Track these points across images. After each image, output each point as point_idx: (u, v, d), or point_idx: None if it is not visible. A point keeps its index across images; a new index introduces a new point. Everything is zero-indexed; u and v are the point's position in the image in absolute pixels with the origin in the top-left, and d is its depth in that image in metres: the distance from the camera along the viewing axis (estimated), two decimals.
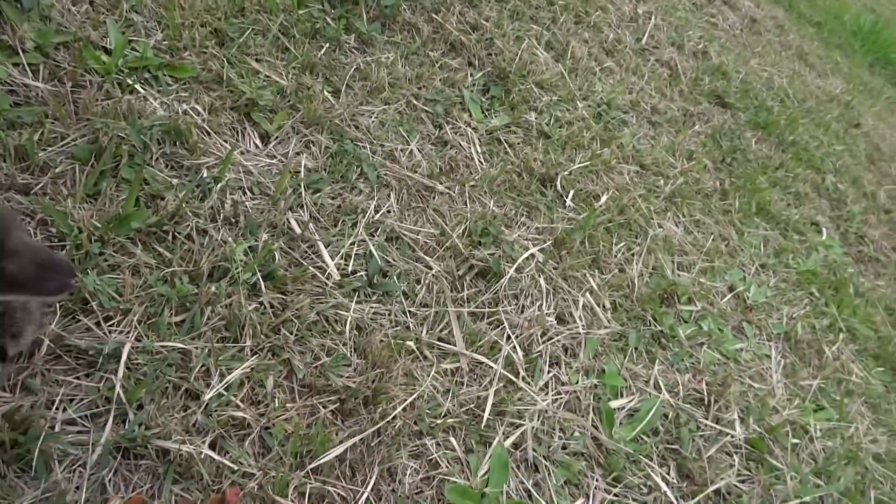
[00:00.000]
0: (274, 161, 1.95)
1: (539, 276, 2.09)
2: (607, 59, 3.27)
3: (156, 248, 1.56)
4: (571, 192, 2.45)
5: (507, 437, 1.66)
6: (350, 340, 1.65)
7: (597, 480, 1.70)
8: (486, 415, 1.66)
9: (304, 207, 1.85)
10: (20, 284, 0.98)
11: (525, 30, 3.05)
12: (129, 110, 1.75)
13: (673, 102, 3.35)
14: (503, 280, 1.98)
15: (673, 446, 1.89)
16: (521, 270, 2.07)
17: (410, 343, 1.71)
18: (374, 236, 1.90)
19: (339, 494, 1.41)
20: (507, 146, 2.49)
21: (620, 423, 1.86)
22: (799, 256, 2.92)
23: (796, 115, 3.79)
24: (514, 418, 1.71)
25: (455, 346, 1.78)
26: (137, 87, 1.86)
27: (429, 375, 1.68)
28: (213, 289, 1.53)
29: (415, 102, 2.41)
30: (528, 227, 2.23)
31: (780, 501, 1.92)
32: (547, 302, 2.04)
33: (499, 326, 1.88)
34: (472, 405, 1.69)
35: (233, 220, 1.73)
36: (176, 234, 1.62)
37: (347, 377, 1.57)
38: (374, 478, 1.46)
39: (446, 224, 2.06)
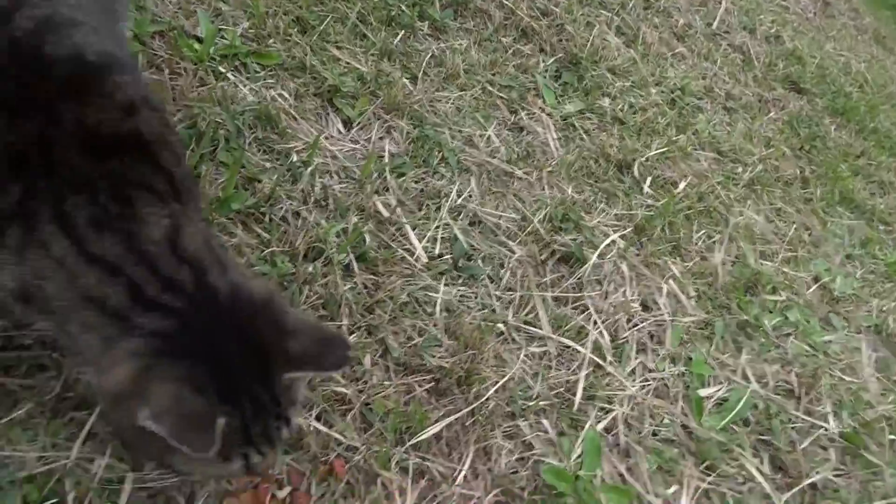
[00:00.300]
0: (357, 146, 1.98)
1: (621, 262, 2.06)
2: (678, 45, 3.20)
3: (254, 229, 1.59)
4: (649, 179, 2.41)
5: (599, 422, 1.64)
6: (440, 322, 1.65)
7: (690, 468, 1.67)
8: (577, 399, 1.64)
9: (390, 191, 1.87)
10: (304, 362, 1.02)
11: (595, 15, 3.01)
12: (223, 96, 1.80)
13: (747, 88, 3.25)
14: (586, 266, 1.96)
15: (764, 437, 1.83)
16: (603, 257, 2.04)
17: (501, 325, 1.70)
18: (457, 220, 1.91)
19: (437, 471, 1.42)
20: (582, 132, 2.47)
21: (710, 413, 1.82)
22: (886, 247, 2.80)
23: (876, 102, 3.64)
24: (604, 403, 1.68)
25: (542, 329, 1.76)
26: (228, 74, 1.91)
27: (518, 358, 1.67)
28: (309, 269, 1.55)
29: (490, 88, 2.41)
30: (607, 214, 2.20)
31: (880, 498, 1.84)
32: (631, 288, 2.00)
33: (584, 312, 1.86)
34: (561, 389, 1.67)
35: (323, 203, 1.75)
36: (272, 216, 1.65)
37: (440, 357, 1.57)
38: (469, 456, 1.46)
39: (527, 209, 2.05)
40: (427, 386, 1.53)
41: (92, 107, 1.00)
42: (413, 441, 1.42)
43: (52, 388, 1.19)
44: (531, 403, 1.59)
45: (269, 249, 1.56)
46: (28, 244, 0.94)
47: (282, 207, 1.67)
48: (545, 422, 1.59)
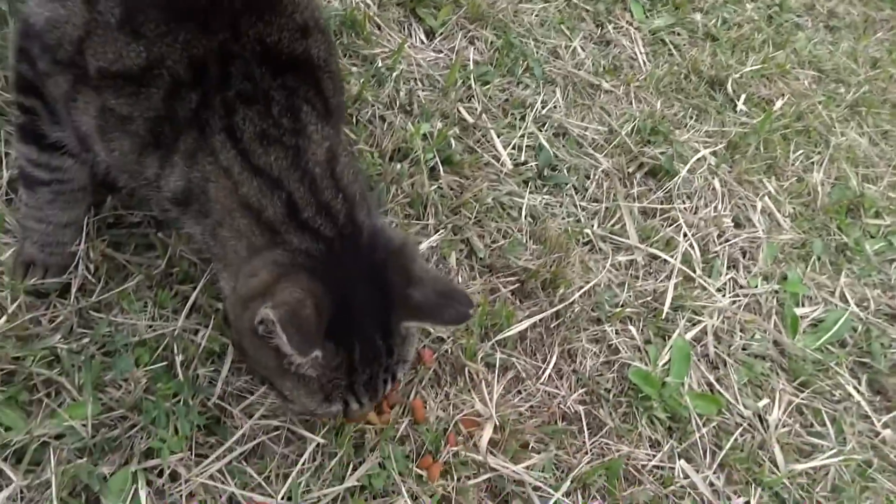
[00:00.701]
0: (440, 55, 1.94)
1: (712, 177, 1.97)
2: None
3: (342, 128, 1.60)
4: (743, 97, 2.28)
5: (687, 332, 1.60)
6: (525, 226, 1.63)
7: (782, 384, 1.61)
8: (665, 308, 1.60)
9: (475, 98, 1.83)
10: (424, 312, 1.01)
11: None
12: None
13: (853, 7, 3.00)
14: (676, 179, 1.88)
15: (863, 360, 1.74)
16: (693, 171, 1.95)
17: (588, 231, 1.67)
18: (542, 130, 1.86)
19: (522, 367, 1.42)
20: (671, 47, 2.34)
21: (804, 332, 1.74)
22: None
23: None
24: (693, 314, 1.63)
25: (629, 240, 1.72)
26: None
27: (603, 268, 1.64)
28: (397, 167, 1.55)
29: (575, 1, 2.31)
30: (698, 130, 2.10)
31: None
32: (723, 204, 1.92)
33: (673, 224, 1.80)
34: (648, 298, 1.63)
35: (408, 108, 1.74)
36: (358, 118, 1.65)
37: (525, 260, 1.56)
38: (554, 357, 1.46)
39: (613, 122, 1.97)
40: (512, 287, 1.52)
41: (272, 25, 1.01)
42: (499, 337, 1.42)
43: (158, 265, 1.25)
44: (617, 310, 1.56)
45: (357, 147, 1.56)
46: (199, 150, 0.97)
47: (368, 111, 1.67)
48: (632, 328, 1.56)
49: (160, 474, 1.06)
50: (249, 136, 0.97)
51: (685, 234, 1.76)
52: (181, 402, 1.11)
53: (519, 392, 1.39)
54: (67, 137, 1.07)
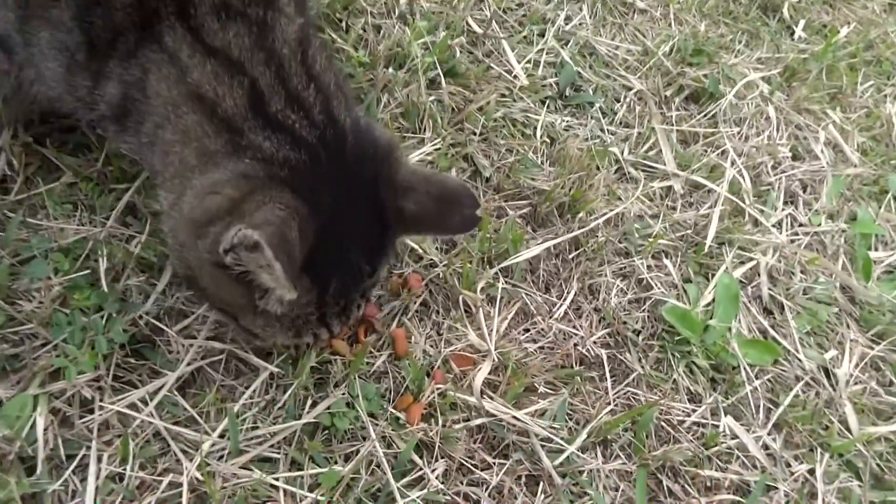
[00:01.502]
0: None
1: (765, 104, 1.69)
2: None
3: (331, 35, 1.39)
4: (802, 22, 1.98)
5: (735, 269, 1.33)
6: (541, 147, 1.39)
7: (853, 334, 1.33)
8: (708, 241, 1.34)
9: (486, 9, 1.60)
10: (423, 224, 0.86)
11: None
12: None
13: None
14: (722, 102, 1.61)
15: None
16: (743, 97, 1.68)
17: (614, 149, 1.41)
18: (564, 48, 1.61)
19: (532, 302, 1.18)
20: None
21: (879, 278, 1.45)
22: None
23: None
24: (742, 251, 1.37)
25: (665, 165, 1.46)
26: None
27: (633, 195, 1.38)
28: (389, 73, 1.33)
29: None
30: (748, 56, 1.82)
31: None
32: (778, 132, 1.64)
33: (718, 151, 1.53)
34: (688, 230, 1.37)
35: (408, 18, 1.52)
36: (349, 24, 1.44)
37: (541, 181, 1.32)
38: (572, 292, 1.21)
39: (649, 42, 1.71)
40: (523, 210, 1.28)
41: None
42: (504, 264, 1.18)
43: (93, 163, 1.06)
44: (649, 242, 1.31)
45: (345, 52, 1.35)
46: (139, 44, 0.79)
47: (361, 20, 1.46)
48: (668, 263, 1.30)
49: (70, 402, 0.87)
50: (205, 9, 0.79)
51: (733, 162, 1.49)
52: (103, 318, 0.91)
53: (526, 330, 1.15)
54: None
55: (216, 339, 0.96)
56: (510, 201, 1.29)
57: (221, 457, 0.88)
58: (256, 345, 0.95)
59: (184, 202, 0.78)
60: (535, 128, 1.42)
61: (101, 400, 0.86)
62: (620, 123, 1.53)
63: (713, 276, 1.31)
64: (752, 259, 1.36)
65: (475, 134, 1.35)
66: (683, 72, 1.65)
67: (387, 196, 0.83)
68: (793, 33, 1.96)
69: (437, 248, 1.17)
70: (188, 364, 0.92)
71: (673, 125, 1.55)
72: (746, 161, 1.53)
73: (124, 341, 0.89)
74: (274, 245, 0.67)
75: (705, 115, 1.59)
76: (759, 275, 1.34)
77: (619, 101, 1.57)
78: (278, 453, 0.90)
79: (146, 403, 0.88)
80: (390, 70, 1.34)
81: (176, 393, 0.91)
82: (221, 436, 0.89)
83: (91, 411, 0.87)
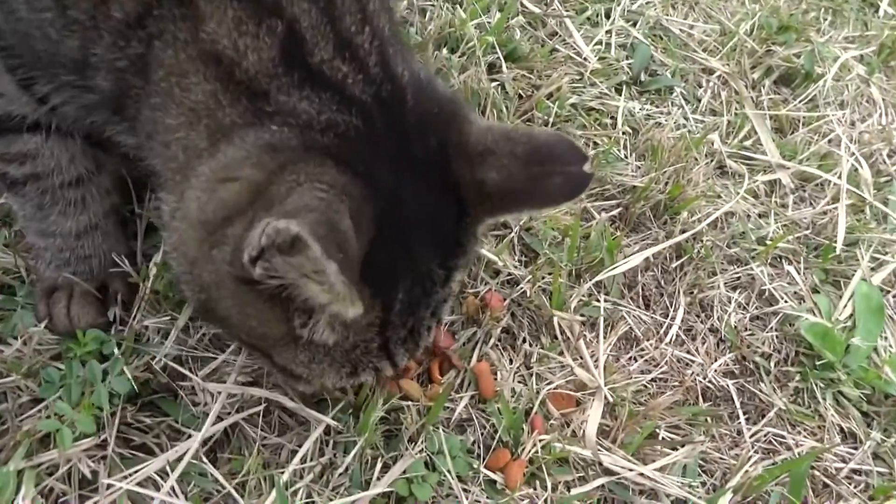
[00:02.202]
0: None
1: (867, 87, 1.46)
2: None
3: None
4: None
5: (871, 275, 1.10)
6: (622, 137, 1.18)
7: None
8: (838, 244, 1.10)
9: None
10: (514, 198, 0.64)
11: None
12: None
13: None
14: (820, 83, 1.39)
15: None
16: (839, 79, 1.46)
17: (715, 139, 1.20)
18: (634, 28, 1.40)
19: (637, 324, 0.96)
20: None
21: None
22: None
23: None
24: (874, 252, 1.14)
25: (768, 155, 1.24)
26: None
27: (738, 192, 1.16)
28: (443, 54, 1.13)
29: None
30: (833, 36, 1.60)
31: None
32: (887, 115, 1.41)
33: (824, 139, 1.30)
34: (805, 230, 1.14)
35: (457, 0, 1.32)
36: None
37: (629, 176, 1.10)
38: (681, 308, 0.99)
39: (725, 20, 1.50)
40: (612, 213, 1.06)
41: None
42: (598, 278, 0.96)
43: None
44: (765, 246, 1.08)
45: None
46: (145, 13, 0.59)
47: (403, 2, 1.26)
48: (790, 269, 1.08)
49: (66, 479, 0.65)
50: None
51: (846, 147, 1.27)
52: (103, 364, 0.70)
53: (632, 359, 0.93)
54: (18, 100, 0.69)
55: (254, 385, 0.74)
56: (596, 201, 1.08)
57: None
58: (299, 390, 0.73)
59: (189, 201, 0.58)
60: (614, 117, 1.20)
61: (105, 475, 0.65)
62: (706, 111, 1.31)
63: (844, 284, 1.08)
64: (888, 262, 1.13)
65: (546, 124, 1.14)
66: (771, 51, 1.43)
67: (460, 168, 0.62)
68: (877, 9, 1.74)
69: (516, 261, 0.95)
70: (219, 419, 0.70)
71: (765, 110, 1.33)
72: (860, 148, 1.30)
73: (131, 391, 0.68)
74: (322, 238, 0.46)
75: (801, 100, 1.37)
76: None
77: (701, 87, 1.35)
78: None
79: (166, 476, 0.66)
80: (443, 52, 1.13)
81: (205, 459, 0.69)
82: None
83: (94, 490, 0.65)
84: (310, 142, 0.55)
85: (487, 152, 0.62)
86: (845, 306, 1.05)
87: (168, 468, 0.66)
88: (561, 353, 0.87)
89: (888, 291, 1.10)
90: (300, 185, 0.52)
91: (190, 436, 0.69)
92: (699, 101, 1.32)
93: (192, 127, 0.59)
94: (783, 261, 1.10)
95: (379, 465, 0.71)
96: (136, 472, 0.65)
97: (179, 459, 0.67)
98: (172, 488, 0.65)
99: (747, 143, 1.26)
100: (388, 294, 0.58)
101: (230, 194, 0.55)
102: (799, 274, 1.07)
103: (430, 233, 0.61)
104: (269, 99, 0.57)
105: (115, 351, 0.70)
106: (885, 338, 1.03)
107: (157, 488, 0.65)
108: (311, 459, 0.71)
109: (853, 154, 1.25)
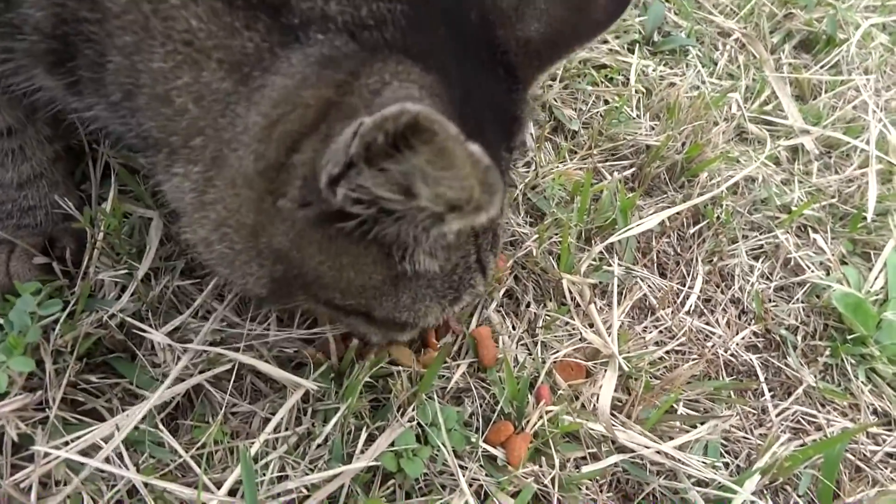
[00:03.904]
0: None
1: (891, 54, 1.38)
2: None
3: None
4: None
5: None
6: (635, 96, 1.09)
7: None
8: (869, 213, 1.02)
9: None
10: (559, 41, 0.59)
11: None
12: None
13: None
14: (844, 48, 1.30)
15: None
16: (862, 47, 1.37)
17: (735, 96, 1.11)
18: None
19: (652, 291, 0.87)
20: None
21: None
22: None
23: None
24: None
25: (790, 120, 1.15)
26: None
27: (760, 156, 1.07)
28: None
29: None
30: (853, 3, 1.51)
31: None
32: None
33: (849, 105, 1.22)
34: (832, 198, 1.06)
35: None
36: None
37: (643, 136, 1.01)
38: (699, 277, 0.90)
39: None
40: (624, 173, 0.98)
41: None
42: (611, 240, 0.87)
43: None
44: (791, 213, 1.00)
45: None
46: None
47: None
48: (816, 238, 0.99)
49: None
50: None
51: (873, 112, 1.18)
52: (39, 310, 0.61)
53: (647, 329, 0.84)
54: None
55: (222, 345, 0.65)
56: (607, 161, 0.99)
57: None
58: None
59: (234, 160, 0.48)
60: (626, 75, 1.11)
61: (44, 441, 0.55)
62: (723, 75, 1.22)
63: (874, 255, 1.00)
64: None
65: (554, 79, 1.05)
66: (791, 14, 1.34)
67: (505, 33, 0.57)
68: None
69: (521, 220, 0.87)
70: (181, 381, 0.61)
71: (784, 74, 1.25)
72: (887, 116, 1.22)
73: (82, 351, 0.58)
74: (440, 121, 0.36)
75: (825, 65, 1.29)
76: None
77: (717, 50, 1.27)
78: None
79: (113, 444, 0.57)
80: None
81: (162, 426, 0.60)
82: (232, 492, 0.58)
83: (27, 459, 0.56)
84: (370, 42, 0.47)
85: (523, 4, 0.58)
86: (876, 278, 0.96)
87: (116, 435, 0.57)
88: (570, 317, 0.78)
89: None
90: (388, 84, 0.43)
91: (146, 399, 0.60)
92: (715, 64, 1.24)
93: (199, 66, 0.47)
94: (808, 230, 1.01)
95: (363, 437, 0.62)
96: (77, 438, 0.56)
97: (132, 426, 0.58)
98: (120, 456, 0.56)
99: (767, 107, 1.17)
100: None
101: (289, 127, 0.46)
102: (826, 243, 0.99)
103: (494, 116, 0.56)
104: (292, 8, 0.47)
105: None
106: None
107: (106, 458, 0.56)
108: (286, 429, 0.62)
109: (881, 120, 1.17)
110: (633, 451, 0.68)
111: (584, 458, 0.68)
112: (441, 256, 0.51)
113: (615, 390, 0.74)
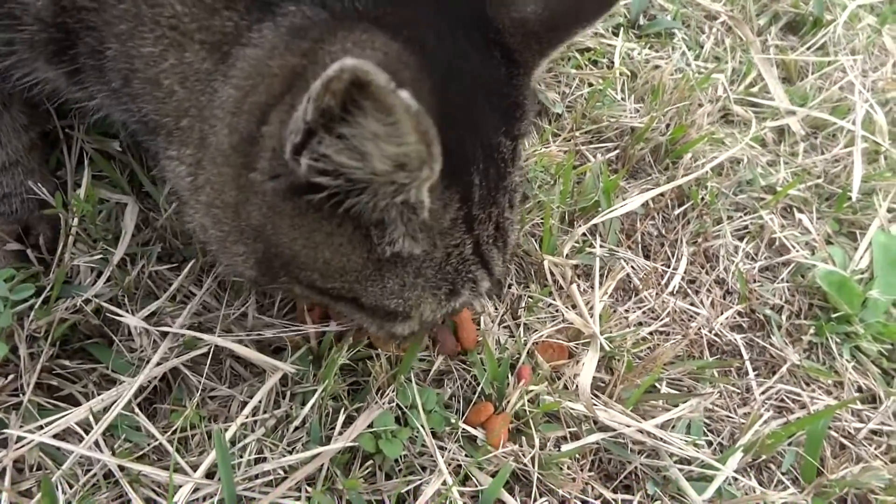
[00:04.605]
0: None
1: (878, 35, 1.37)
2: None
3: None
4: None
5: (890, 226, 1.02)
6: (619, 79, 1.08)
7: None
8: (854, 192, 1.01)
9: None
10: (558, 23, 0.56)
11: None
12: None
13: None
14: (830, 28, 1.30)
15: None
16: (849, 28, 1.37)
17: (720, 76, 1.11)
18: None
19: (635, 272, 0.87)
20: None
21: None
22: None
23: None
24: (892, 202, 1.05)
25: (777, 101, 1.15)
26: None
27: (745, 137, 1.07)
28: None
29: None
30: None
31: None
32: None
33: (835, 85, 1.21)
34: (817, 179, 1.05)
35: None
36: None
37: (627, 118, 1.01)
38: (683, 258, 0.90)
39: None
40: (609, 155, 0.97)
41: None
42: (594, 221, 0.87)
43: None
44: (773, 195, 1.00)
45: None
46: None
47: None
48: (802, 218, 0.99)
49: None
50: None
51: (859, 92, 1.18)
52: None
53: (631, 310, 0.84)
54: None
55: (200, 329, 0.65)
56: (591, 144, 0.98)
57: None
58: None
59: (213, 137, 0.48)
60: (611, 59, 1.11)
61: (17, 425, 0.55)
62: (710, 58, 1.22)
63: (860, 235, 1.00)
64: None
65: (559, 62, 1.04)
66: None
67: (497, 13, 0.54)
68: None
69: None
70: (158, 364, 0.61)
71: (771, 56, 1.24)
72: (873, 97, 1.21)
73: (58, 336, 0.58)
74: (385, 70, 0.35)
75: (811, 46, 1.28)
76: None
77: (703, 33, 1.26)
78: (298, 498, 0.59)
79: (91, 429, 0.57)
80: None
81: (139, 411, 0.59)
82: (210, 475, 0.58)
83: (1, 444, 0.56)
84: (341, 11, 0.46)
85: None
86: (862, 257, 0.96)
87: (92, 420, 0.57)
88: (551, 296, 0.78)
89: None
90: (348, 52, 0.42)
91: (123, 384, 0.60)
92: (701, 47, 1.23)
93: (183, 48, 0.48)
94: (794, 210, 1.01)
95: (341, 418, 0.62)
96: (51, 422, 0.56)
97: (107, 410, 0.58)
98: (96, 442, 0.55)
99: (753, 89, 1.17)
100: (463, 181, 0.50)
101: (259, 97, 0.45)
102: (812, 223, 0.99)
103: (488, 100, 0.53)
104: None
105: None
106: None
107: (80, 439, 0.56)
108: (265, 412, 0.62)
109: (867, 100, 1.16)
110: (613, 430, 0.68)
111: (564, 437, 0.68)
112: (423, 239, 0.49)
113: (598, 371, 0.74)
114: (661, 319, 0.83)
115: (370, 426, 0.62)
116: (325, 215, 0.46)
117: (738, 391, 0.80)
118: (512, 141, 0.54)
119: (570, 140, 0.96)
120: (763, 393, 0.80)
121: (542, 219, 0.83)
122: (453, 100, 0.48)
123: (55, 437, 0.55)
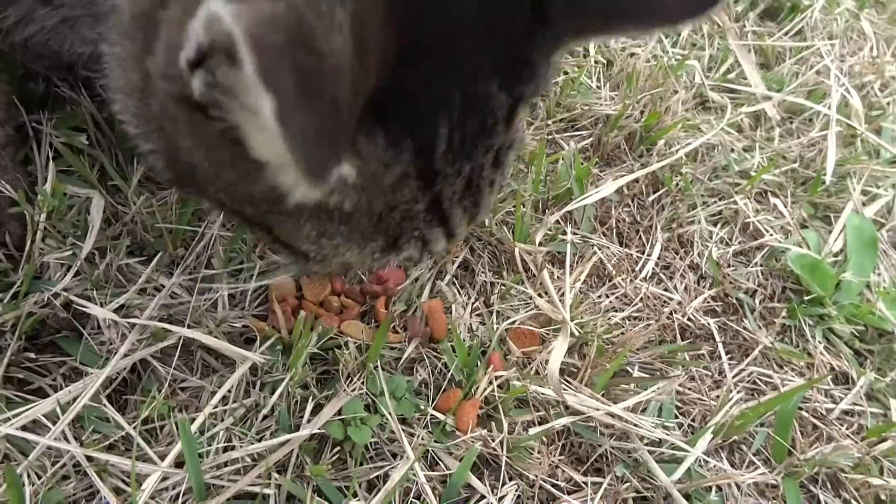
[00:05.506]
0: None
1: (857, 21, 1.38)
2: None
3: None
4: None
5: (863, 208, 1.02)
6: (595, 67, 1.08)
7: None
8: (828, 176, 1.02)
9: None
10: (625, 11, 0.45)
11: None
12: None
13: None
14: (807, 14, 1.30)
15: None
16: (827, 14, 1.37)
17: (693, 63, 1.11)
18: None
19: (609, 259, 0.87)
20: None
21: None
22: None
23: None
24: (868, 186, 1.06)
25: (753, 87, 1.15)
26: None
27: (721, 122, 1.07)
28: None
29: None
30: None
31: None
32: (879, 49, 1.33)
33: (812, 70, 1.22)
34: (793, 164, 1.06)
35: None
36: None
37: (602, 105, 1.01)
38: (658, 244, 0.90)
39: None
40: (583, 143, 0.98)
41: None
42: (568, 208, 0.87)
43: None
44: (750, 178, 1.00)
45: None
46: None
47: None
48: (776, 202, 0.99)
49: None
50: None
51: (836, 77, 1.18)
52: None
53: (604, 296, 0.84)
54: None
55: (170, 321, 0.65)
56: (565, 132, 0.99)
57: (177, 498, 0.57)
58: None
59: (119, 7, 0.44)
60: (586, 47, 1.11)
61: None
62: (686, 45, 1.22)
63: (835, 219, 1.00)
64: (881, 195, 1.05)
65: None
66: None
67: None
68: None
69: None
70: (125, 356, 0.62)
71: (748, 42, 1.24)
72: (850, 80, 1.22)
73: (28, 331, 0.59)
74: (267, 50, 0.27)
75: (789, 31, 1.28)
76: (892, 214, 1.03)
77: None
78: (267, 486, 0.59)
79: (56, 420, 0.57)
80: None
81: (106, 402, 0.60)
82: (178, 464, 0.58)
83: None
84: None
85: None
86: (836, 240, 0.97)
87: (59, 411, 0.57)
88: (523, 284, 0.78)
89: (882, 225, 1.02)
90: None
91: (91, 376, 0.60)
92: (679, 34, 1.23)
93: None
94: (769, 195, 1.01)
95: (310, 406, 0.63)
96: (17, 414, 0.56)
97: (75, 401, 0.58)
98: (62, 433, 0.56)
99: (730, 76, 1.17)
100: (423, 129, 0.41)
101: None
102: (786, 208, 0.99)
103: (486, 37, 0.42)
104: None
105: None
106: (879, 273, 0.95)
107: (45, 434, 0.57)
108: (234, 401, 0.63)
109: (843, 84, 1.17)
110: (583, 413, 0.69)
111: (533, 422, 0.68)
112: (351, 195, 0.42)
113: (570, 356, 0.75)
114: (634, 305, 0.84)
115: (339, 413, 0.62)
116: (227, 137, 0.37)
117: (711, 374, 0.81)
118: (510, 97, 0.44)
119: (543, 129, 0.96)
120: (735, 376, 0.81)
121: (514, 207, 0.84)
122: (426, 27, 0.38)
123: (22, 428, 0.56)
